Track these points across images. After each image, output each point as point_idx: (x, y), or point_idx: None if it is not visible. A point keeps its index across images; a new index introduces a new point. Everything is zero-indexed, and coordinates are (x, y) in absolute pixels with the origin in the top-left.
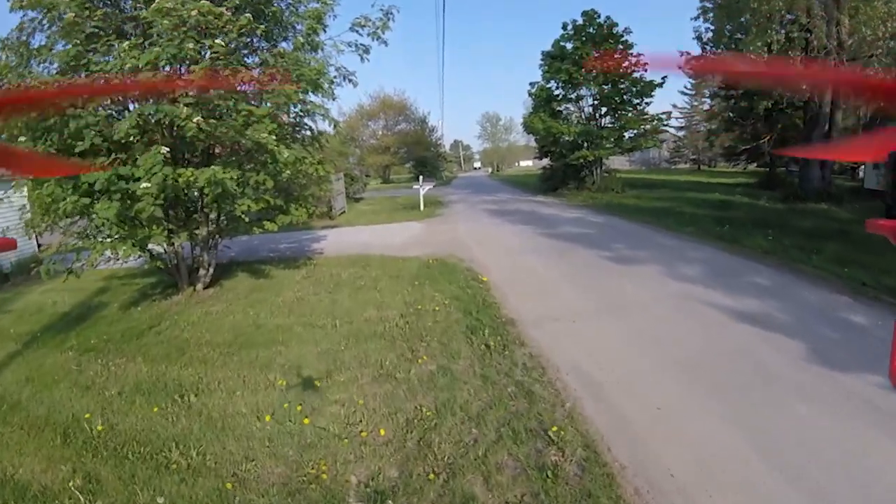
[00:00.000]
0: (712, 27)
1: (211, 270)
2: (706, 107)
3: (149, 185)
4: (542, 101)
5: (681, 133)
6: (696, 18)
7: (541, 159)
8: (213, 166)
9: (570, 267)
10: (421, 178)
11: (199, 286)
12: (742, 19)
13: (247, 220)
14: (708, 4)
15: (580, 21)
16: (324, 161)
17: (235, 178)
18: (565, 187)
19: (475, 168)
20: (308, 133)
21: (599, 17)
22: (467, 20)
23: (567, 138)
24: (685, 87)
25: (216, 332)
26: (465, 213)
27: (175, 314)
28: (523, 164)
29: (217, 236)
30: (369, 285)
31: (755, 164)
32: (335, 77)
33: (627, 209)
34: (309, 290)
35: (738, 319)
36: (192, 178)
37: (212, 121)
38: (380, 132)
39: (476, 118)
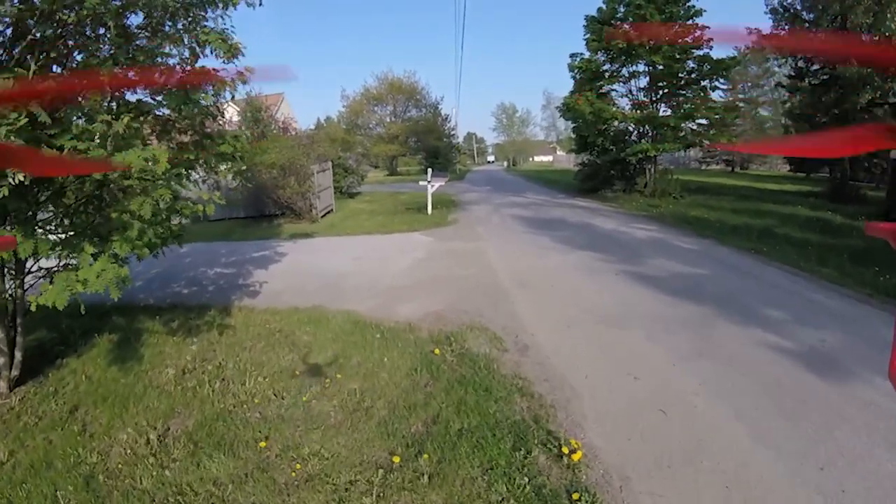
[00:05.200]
0: None
1: (18, 357)
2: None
3: None
4: (587, 79)
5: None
6: None
7: (577, 153)
8: None
9: (761, 402)
10: (430, 171)
11: (2, 384)
12: None
13: None
14: None
15: None
16: (219, 137)
17: None
18: (609, 188)
19: (489, 162)
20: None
21: None
22: (484, 2)
23: (621, 125)
24: (719, 83)
25: None
26: (488, 220)
27: None
28: (538, 159)
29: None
30: (283, 455)
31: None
32: None
33: (712, 227)
34: (153, 436)
35: None
36: None
37: None
38: (387, 119)
39: (491, 110)
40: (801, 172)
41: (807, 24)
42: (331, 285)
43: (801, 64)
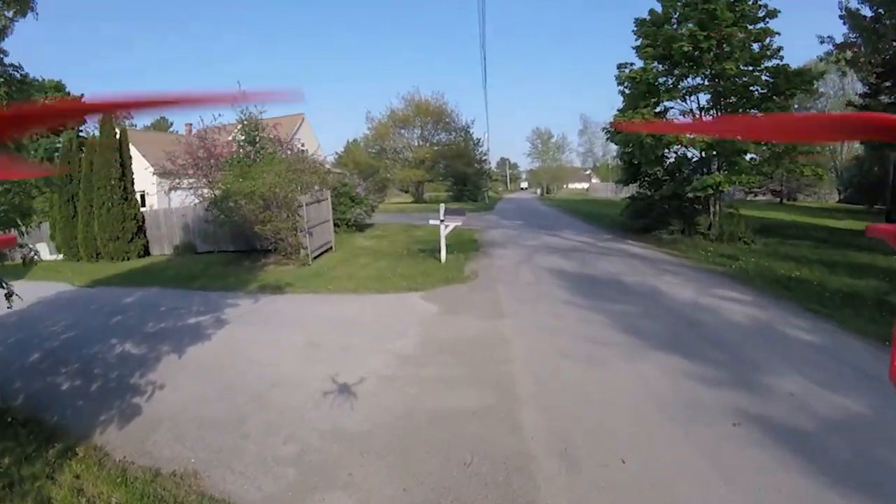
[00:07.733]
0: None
1: None
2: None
3: None
4: (640, 93)
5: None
6: None
7: (625, 184)
8: None
9: None
10: (442, 208)
11: None
12: None
13: None
14: None
15: None
16: None
17: None
18: (664, 229)
19: (522, 188)
20: None
21: None
22: (517, 25)
23: (681, 152)
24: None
25: None
26: (517, 276)
27: None
28: (573, 186)
29: None
30: None
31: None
32: None
33: (817, 295)
34: None
35: None
36: None
37: None
38: (415, 143)
39: (525, 134)
40: (853, 203)
41: (883, 33)
42: (237, 415)
43: (872, 80)
